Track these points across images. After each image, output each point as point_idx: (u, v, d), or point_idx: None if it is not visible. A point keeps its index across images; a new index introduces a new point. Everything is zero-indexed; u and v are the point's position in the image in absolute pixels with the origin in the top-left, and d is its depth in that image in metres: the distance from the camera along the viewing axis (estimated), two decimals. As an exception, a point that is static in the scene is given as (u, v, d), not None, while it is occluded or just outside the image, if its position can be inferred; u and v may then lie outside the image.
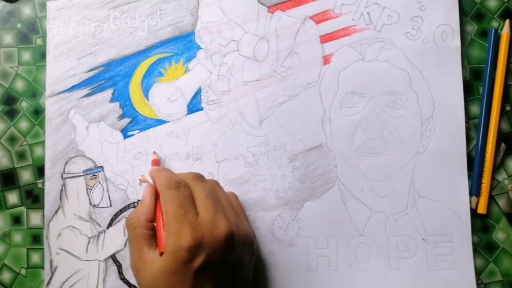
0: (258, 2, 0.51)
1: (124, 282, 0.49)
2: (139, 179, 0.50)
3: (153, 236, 0.41)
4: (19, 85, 0.52)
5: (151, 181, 0.43)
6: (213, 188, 0.43)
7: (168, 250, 0.37)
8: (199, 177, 0.43)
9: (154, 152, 0.50)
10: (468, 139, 0.49)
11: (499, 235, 0.49)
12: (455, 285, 0.48)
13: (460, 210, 0.48)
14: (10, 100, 0.52)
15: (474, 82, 0.50)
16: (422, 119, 0.49)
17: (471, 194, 0.49)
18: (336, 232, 0.49)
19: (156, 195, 0.42)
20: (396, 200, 0.49)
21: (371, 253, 0.48)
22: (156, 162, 0.49)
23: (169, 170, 0.45)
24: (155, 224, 0.41)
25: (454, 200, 0.48)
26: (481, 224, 0.49)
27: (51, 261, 0.49)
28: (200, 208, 0.39)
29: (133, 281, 0.49)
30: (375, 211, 0.49)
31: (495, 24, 0.51)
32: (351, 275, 0.48)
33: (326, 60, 0.50)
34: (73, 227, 0.50)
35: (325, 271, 0.48)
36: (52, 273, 0.49)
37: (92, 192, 0.50)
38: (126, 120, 0.51)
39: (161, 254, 0.38)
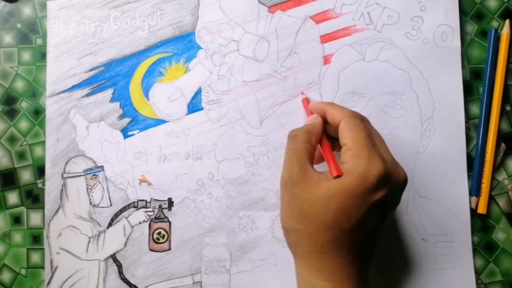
0: (259, 2, 0.51)
1: (124, 281, 0.49)
2: (139, 179, 0.50)
3: (314, 157, 0.41)
4: (19, 85, 0.52)
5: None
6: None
7: (354, 173, 0.36)
8: (369, 121, 0.43)
9: (303, 93, 0.49)
10: (468, 139, 0.49)
11: (499, 235, 0.49)
12: (455, 285, 0.48)
13: (460, 210, 0.48)
14: (10, 100, 0.52)
15: (474, 82, 0.50)
16: (422, 119, 0.49)
17: (471, 194, 0.49)
18: (336, 232, 0.48)
19: (324, 124, 0.43)
20: (396, 200, 0.49)
21: (371, 253, 0.48)
22: (308, 100, 0.48)
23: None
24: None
25: (454, 200, 0.48)
26: (481, 224, 0.49)
27: (51, 261, 0.49)
28: (380, 149, 0.39)
29: (133, 280, 0.49)
30: (375, 211, 0.48)
31: (495, 24, 0.51)
32: (351, 275, 0.48)
33: (326, 60, 0.50)
34: (74, 227, 0.50)
35: (325, 271, 0.48)
36: (53, 273, 0.49)
37: (92, 192, 0.50)
38: (126, 120, 0.51)
39: (336, 177, 0.37)
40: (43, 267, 0.50)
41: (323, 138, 0.42)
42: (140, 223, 0.50)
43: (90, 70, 0.51)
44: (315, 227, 0.37)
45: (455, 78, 0.49)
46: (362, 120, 0.40)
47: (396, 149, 0.49)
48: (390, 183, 0.37)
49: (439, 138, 0.49)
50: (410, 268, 0.48)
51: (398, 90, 0.49)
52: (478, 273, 0.48)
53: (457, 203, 0.48)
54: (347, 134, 0.39)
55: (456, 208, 0.48)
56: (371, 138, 0.39)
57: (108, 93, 0.51)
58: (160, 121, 0.50)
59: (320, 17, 0.50)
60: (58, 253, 0.49)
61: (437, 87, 0.49)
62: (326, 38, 0.50)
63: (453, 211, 0.48)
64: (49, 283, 0.49)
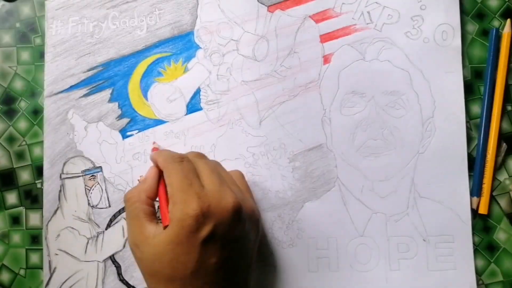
0: (258, 1, 0.50)
1: (123, 283, 0.49)
2: (138, 180, 0.49)
3: (153, 212, 0.40)
4: (18, 84, 0.52)
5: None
6: (216, 165, 0.43)
7: (174, 219, 0.37)
8: (201, 155, 0.43)
9: (154, 142, 0.49)
10: (469, 139, 0.49)
11: (500, 236, 0.49)
12: (455, 285, 0.47)
13: (461, 210, 0.48)
14: (9, 99, 0.52)
15: (475, 81, 0.50)
16: (423, 119, 0.49)
17: (472, 195, 0.48)
18: (336, 233, 0.48)
19: (159, 175, 0.42)
20: (396, 201, 0.48)
21: (372, 254, 0.48)
22: (157, 149, 0.48)
23: (170, 150, 0.45)
24: (154, 203, 0.41)
25: (455, 201, 0.48)
26: (482, 225, 0.49)
27: (50, 262, 0.49)
28: (205, 182, 0.39)
29: (132, 281, 0.49)
30: (376, 212, 0.48)
31: (496, 23, 0.50)
32: (351, 276, 0.48)
33: (326, 59, 0.50)
34: (72, 228, 0.50)
35: (326, 272, 0.48)
36: (51, 274, 0.49)
37: (91, 193, 0.50)
38: (125, 120, 0.50)
39: (165, 227, 0.37)
40: (42, 268, 0.50)
41: (160, 188, 0.42)
42: (139, 224, 0.49)
43: (89, 70, 0.51)
44: (162, 283, 0.37)
45: (456, 78, 0.49)
46: (181, 162, 0.40)
47: (397, 149, 0.49)
48: (213, 217, 0.37)
49: (440, 138, 0.49)
50: (410, 268, 0.48)
51: (398, 89, 0.49)
52: (479, 273, 0.48)
53: (458, 204, 0.48)
54: (167, 181, 0.39)
55: (457, 208, 0.48)
56: (189, 177, 0.38)
57: (106, 93, 0.51)
58: (159, 122, 0.50)
59: (319, 16, 0.50)
60: (56, 254, 0.49)
61: (437, 86, 0.49)
62: (325, 37, 0.50)
63: (454, 212, 0.48)
64: (47, 284, 0.49)
